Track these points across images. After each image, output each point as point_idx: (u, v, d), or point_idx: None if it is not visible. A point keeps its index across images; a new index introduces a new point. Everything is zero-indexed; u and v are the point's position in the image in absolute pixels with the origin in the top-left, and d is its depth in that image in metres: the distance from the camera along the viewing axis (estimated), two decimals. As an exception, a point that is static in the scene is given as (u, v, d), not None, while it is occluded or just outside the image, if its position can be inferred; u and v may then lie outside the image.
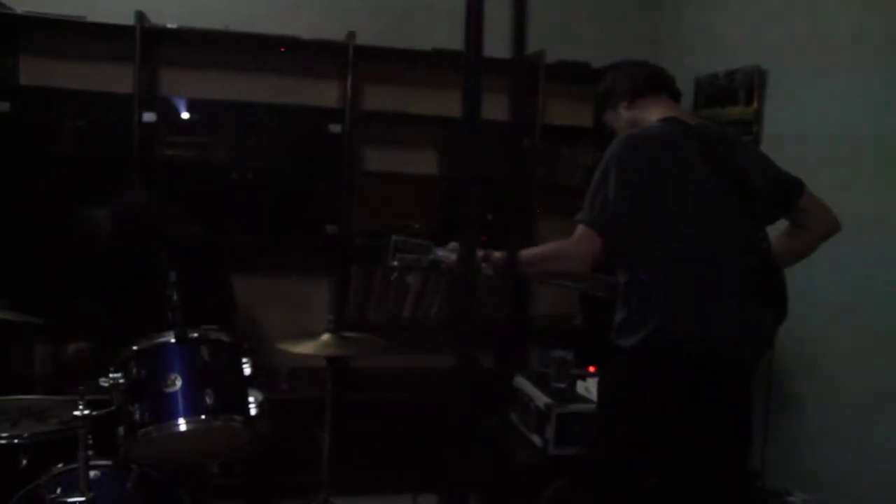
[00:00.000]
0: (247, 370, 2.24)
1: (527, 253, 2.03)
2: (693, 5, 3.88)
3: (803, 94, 3.12)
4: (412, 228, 2.16)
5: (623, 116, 2.17)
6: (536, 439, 3.00)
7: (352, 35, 3.47)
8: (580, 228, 1.94)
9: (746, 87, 3.41)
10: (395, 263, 2.15)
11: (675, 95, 2.19)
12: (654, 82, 2.16)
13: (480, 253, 1.94)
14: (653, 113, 2.10)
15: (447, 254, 2.18)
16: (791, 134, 3.13)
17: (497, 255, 2.04)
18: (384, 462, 3.22)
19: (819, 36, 3.05)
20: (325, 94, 3.66)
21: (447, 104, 3.60)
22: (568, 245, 1.96)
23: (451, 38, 3.51)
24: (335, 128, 3.49)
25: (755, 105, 3.36)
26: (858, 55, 2.86)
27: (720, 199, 1.98)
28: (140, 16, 3.25)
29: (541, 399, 3.01)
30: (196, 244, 2.81)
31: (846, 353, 2.83)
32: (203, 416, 2.09)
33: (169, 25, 3.33)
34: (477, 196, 0.96)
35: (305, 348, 2.57)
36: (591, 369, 3.20)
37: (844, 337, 2.83)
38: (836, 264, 2.71)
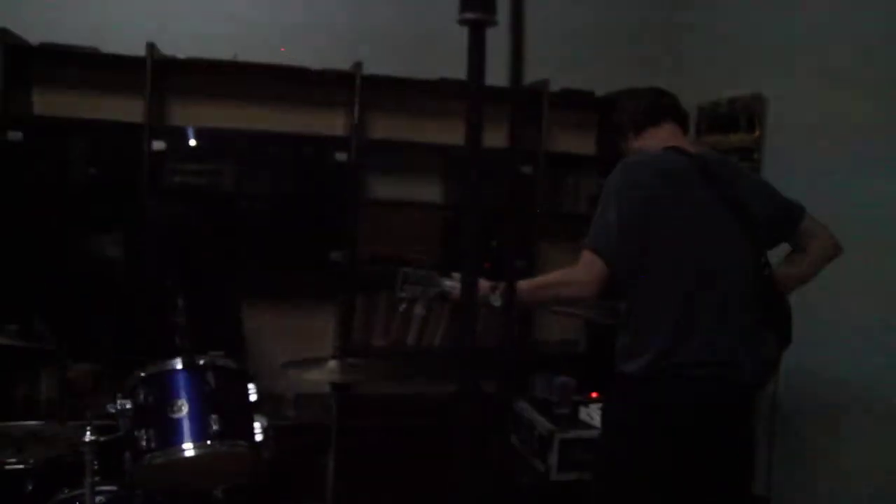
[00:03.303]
0: (252, 396, 2.27)
1: (535, 281, 2.06)
2: (695, 33, 3.94)
3: (804, 121, 3.16)
4: (419, 260, 2.18)
5: (633, 147, 2.22)
6: (539, 465, 3.00)
7: (358, 65, 3.53)
8: (585, 254, 1.98)
9: (748, 114, 3.45)
10: (403, 295, 2.17)
11: (682, 122, 2.23)
12: (657, 113, 2.20)
13: (490, 284, 1.96)
14: (657, 143, 2.15)
15: (454, 284, 2.20)
16: (792, 161, 3.16)
17: (519, 284, 2.05)
18: (389, 487, 3.21)
19: (820, 63, 3.09)
20: (332, 122, 3.71)
21: (452, 133, 3.65)
22: (574, 271, 1.99)
23: (456, 68, 3.57)
24: (341, 156, 3.54)
25: (757, 132, 3.40)
26: (860, 81, 2.90)
27: (720, 225, 2.01)
28: (151, 47, 3.32)
29: (543, 425, 3.01)
30: (205, 272, 2.85)
31: (854, 377, 2.83)
32: (209, 442, 2.11)
33: (179, 56, 3.40)
34: (478, 224, 0.99)
35: (311, 374, 2.58)
36: (594, 395, 3.20)
37: (851, 360, 2.84)
38: (842, 287, 2.72)
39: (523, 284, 2.04)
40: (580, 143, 4.05)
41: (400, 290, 2.17)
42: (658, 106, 2.22)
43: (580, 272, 1.97)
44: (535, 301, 2.17)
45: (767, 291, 2.04)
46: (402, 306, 2.20)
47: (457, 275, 2.21)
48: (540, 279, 2.07)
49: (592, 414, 3.02)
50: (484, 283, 1.93)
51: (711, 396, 1.97)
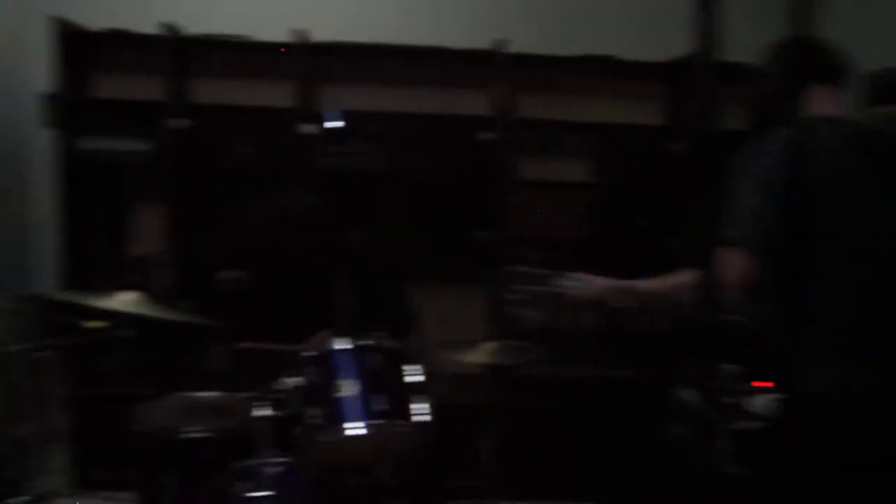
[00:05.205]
0: (415, 377, 2.28)
1: (662, 284, 1.88)
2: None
3: None
4: (532, 257, 2.03)
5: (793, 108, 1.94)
6: (706, 457, 2.87)
7: (501, 43, 3.48)
8: (724, 249, 1.66)
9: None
10: (512, 296, 2.00)
11: (836, 82, 1.93)
12: (816, 73, 1.92)
13: (607, 284, 1.82)
14: (814, 108, 1.88)
15: (573, 284, 2.00)
16: None
17: (642, 285, 1.90)
18: (545, 468, 3.18)
19: None
20: (476, 102, 3.67)
21: (599, 111, 3.55)
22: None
23: (602, 44, 3.48)
24: (486, 136, 3.51)
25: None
26: None
27: (886, 205, 1.75)
28: (300, 34, 3.42)
29: (709, 415, 2.88)
30: (364, 252, 2.91)
31: None
32: (372, 422, 2.14)
33: (324, 41, 3.47)
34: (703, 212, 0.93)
35: (465, 356, 2.58)
36: (758, 384, 3.03)
37: None
38: None
39: (648, 286, 1.86)
40: (735, 119, 3.83)
41: (509, 289, 1.99)
42: (820, 64, 1.93)
43: (718, 272, 1.64)
44: (663, 306, 1.98)
45: None
46: (510, 308, 2.02)
47: (576, 275, 2.02)
48: (668, 281, 1.86)
49: (758, 404, 2.86)
50: (599, 282, 1.79)
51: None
